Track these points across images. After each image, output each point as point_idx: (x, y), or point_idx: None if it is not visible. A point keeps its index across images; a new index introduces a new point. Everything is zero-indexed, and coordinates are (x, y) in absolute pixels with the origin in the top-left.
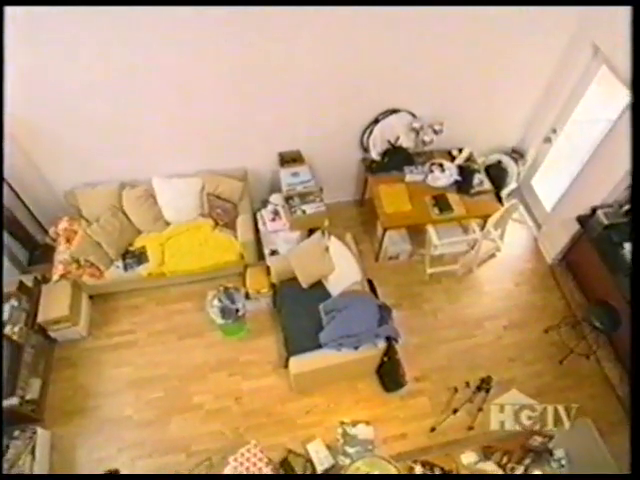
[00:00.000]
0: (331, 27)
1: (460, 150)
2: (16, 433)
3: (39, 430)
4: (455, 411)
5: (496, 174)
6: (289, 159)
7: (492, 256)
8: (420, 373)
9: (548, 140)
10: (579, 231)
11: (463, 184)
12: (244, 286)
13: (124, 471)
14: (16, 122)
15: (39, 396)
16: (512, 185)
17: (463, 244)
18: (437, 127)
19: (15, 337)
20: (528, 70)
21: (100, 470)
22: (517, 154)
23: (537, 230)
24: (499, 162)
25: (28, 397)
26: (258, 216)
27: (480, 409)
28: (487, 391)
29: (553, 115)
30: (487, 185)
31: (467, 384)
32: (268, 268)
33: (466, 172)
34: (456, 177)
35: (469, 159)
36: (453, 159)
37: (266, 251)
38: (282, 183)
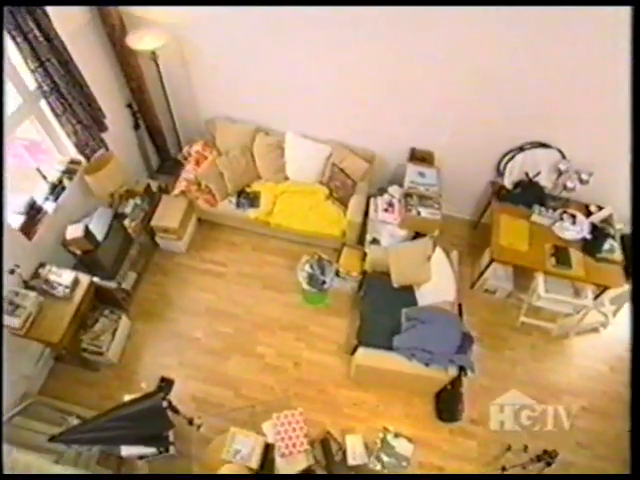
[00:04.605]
0: (514, 35)
1: (600, 208)
2: (106, 312)
3: (124, 317)
4: (504, 469)
5: (632, 247)
6: (419, 157)
7: (595, 330)
8: (478, 416)
9: None
10: None
11: (591, 244)
12: (337, 262)
13: (178, 384)
14: (190, 47)
15: (131, 289)
16: None
17: (569, 306)
18: (584, 176)
19: (130, 230)
20: None
21: (158, 374)
22: None
23: None
24: None
25: (123, 286)
26: (371, 201)
27: None
28: (548, 464)
29: None
30: (618, 255)
31: (525, 448)
32: (364, 254)
33: (598, 233)
34: (586, 235)
35: (606, 220)
36: (589, 214)
37: (368, 237)
38: (406, 178)
